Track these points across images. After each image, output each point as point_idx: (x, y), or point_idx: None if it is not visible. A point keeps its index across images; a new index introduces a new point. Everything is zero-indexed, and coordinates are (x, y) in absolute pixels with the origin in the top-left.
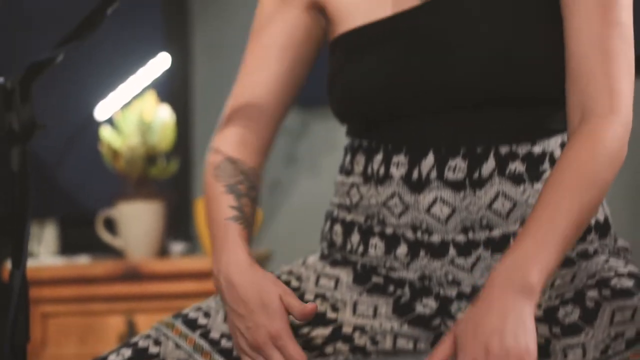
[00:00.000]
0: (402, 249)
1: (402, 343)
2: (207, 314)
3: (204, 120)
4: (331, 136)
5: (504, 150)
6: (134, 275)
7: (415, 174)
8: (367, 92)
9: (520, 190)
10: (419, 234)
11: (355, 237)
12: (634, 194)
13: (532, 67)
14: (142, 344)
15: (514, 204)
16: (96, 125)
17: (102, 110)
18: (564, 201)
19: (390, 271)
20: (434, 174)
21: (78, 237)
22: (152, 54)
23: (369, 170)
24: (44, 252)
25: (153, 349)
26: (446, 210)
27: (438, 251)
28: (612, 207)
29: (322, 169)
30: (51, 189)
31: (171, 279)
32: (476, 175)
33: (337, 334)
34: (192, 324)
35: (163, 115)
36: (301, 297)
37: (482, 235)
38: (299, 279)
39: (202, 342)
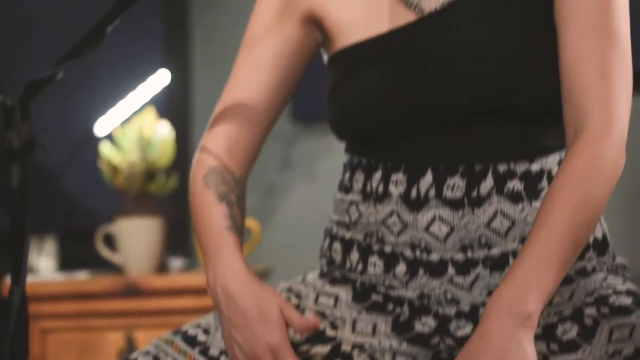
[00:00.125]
0: (401, 268)
1: None
2: (206, 331)
3: None
4: (328, 141)
5: (502, 168)
6: (133, 291)
7: (413, 193)
8: (364, 109)
9: (519, 209)
10: (417, 253)
11: (355, 255)
12: (631, 210)
13: (531, 83)
14: None
15: (513, 223)
16: (96, 141)
17: (101, 126)
18: (559, 222)
19: (389, 289)
20: (432, 193)
21: (77, 253)
22: (152, 70)
23: (368, 188)
24: (44, 268)
25: None
26: (445, 229)
27: (437, 270)
28: (609, 224)
29: (319, 174)
30: (51, 205)
31: (170, 294)
32: (474, 193)
33: (336, 352)
34: (191, 341)
35: (162, 132)
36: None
37: (480, 254)
38: (298, 296)
39: (201, 359)
